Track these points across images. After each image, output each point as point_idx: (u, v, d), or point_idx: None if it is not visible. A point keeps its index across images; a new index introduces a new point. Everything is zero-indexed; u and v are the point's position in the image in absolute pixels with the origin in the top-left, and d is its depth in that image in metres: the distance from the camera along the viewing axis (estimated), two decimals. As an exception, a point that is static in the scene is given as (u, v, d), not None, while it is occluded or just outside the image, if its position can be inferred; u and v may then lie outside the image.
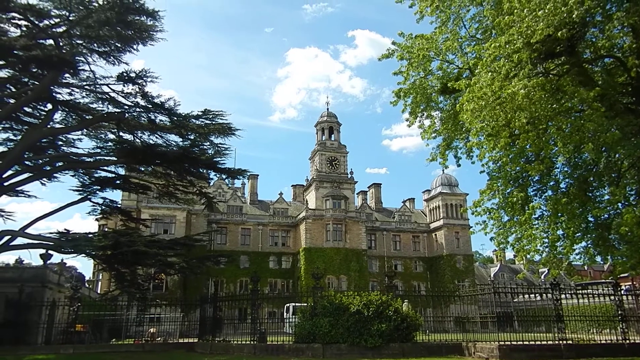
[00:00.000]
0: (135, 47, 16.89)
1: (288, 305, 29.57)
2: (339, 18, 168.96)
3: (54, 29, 16.04)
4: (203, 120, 18.12)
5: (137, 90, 17.29)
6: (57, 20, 16.00)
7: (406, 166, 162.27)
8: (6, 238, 17.23)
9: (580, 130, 9.71)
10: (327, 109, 60.75)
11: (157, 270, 21.92)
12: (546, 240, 11.04)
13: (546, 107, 9.87)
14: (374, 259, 58.05)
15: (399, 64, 14.07)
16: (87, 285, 41.40)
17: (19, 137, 18.36)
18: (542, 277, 58.83)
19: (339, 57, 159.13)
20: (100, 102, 18.28)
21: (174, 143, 18.73)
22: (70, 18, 15.81)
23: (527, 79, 9.76)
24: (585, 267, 74.84)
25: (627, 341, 15.32)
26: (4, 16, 15.62)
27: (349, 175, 56.51)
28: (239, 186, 61.40)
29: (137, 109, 17.92)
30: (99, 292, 40.96)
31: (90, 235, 18.18)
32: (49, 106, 18.16)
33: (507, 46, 9.87)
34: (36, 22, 15.89)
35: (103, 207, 20.11)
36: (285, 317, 25.02)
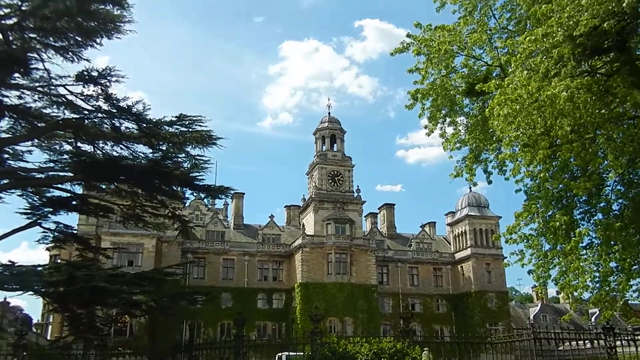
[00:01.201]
0: (98, 41, 17.06)
1: (280, 354, 29.33)
2: (344, 5, 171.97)
3: (3, 21, 16.25)
4: (177, 127, 17.91)
5: (100, 92, 17.17)
6: (7, 10, 16.21)
7: (425, 183, 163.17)
8: (-63, 272, 17.07)
9: (634, 140, 10.06)
10: (329, 113, 60.84)
11: (119, 312, 21.53)
12: (597, 274, 11.21)
13: (593, 113, 10.02)
14: (386, 296, 57.73)
15: (416, 59, 14.23)
16: (35, 330, 41.13)
17: (-42, 150, 18.33)
18: (593, 319, 58.70)
19: (343, 52, 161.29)
20: (55, 106, 18.09)
21: (143, 155, 18.47)
22: (23, 8, 16.03)
23: (569, 78, 9.90)
24: (645, 307, 74.33)
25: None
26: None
27: (355, 194, 56.70)
28: (220, 207, 62.02)
29: (99, 115, 17.77)
30: (48, 338, 40.48)
31: (40, 269, 17.99)
32: (-6, 112, 18.32)
33: (545, 40, 10.00)
34: (-19, 14, 16.07)
35: (56, 234, 20.08)
36: (277, 369, 24.73)
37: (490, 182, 13.90)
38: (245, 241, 57.59)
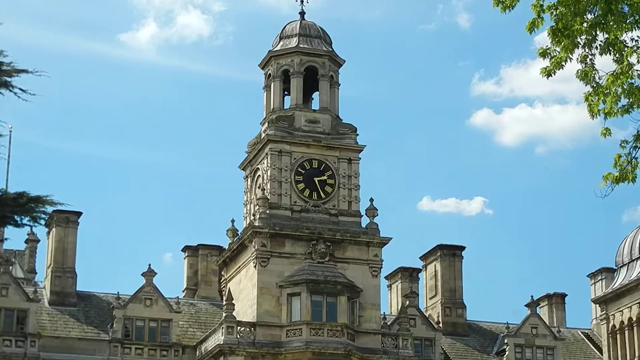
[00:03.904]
0: None
1: None
2: None
3: None
4: None
5: None
6: None
7: (540, 195, 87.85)
8: None
9: None
10: (302, 14, 39.15)
11: None
12: None
13: None
14: None
15: None
16: None
17: None
18: None
19: None
20: None
21: None
22: None
23: None
24: None
25: None
26: None
27: (366, 219, 37.66)
28: (18, 249, 49.81)
29: None
30: None
31: None
32: None
33: None
34: None
35: None
36: None
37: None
38: (79, 336, 37.85)
